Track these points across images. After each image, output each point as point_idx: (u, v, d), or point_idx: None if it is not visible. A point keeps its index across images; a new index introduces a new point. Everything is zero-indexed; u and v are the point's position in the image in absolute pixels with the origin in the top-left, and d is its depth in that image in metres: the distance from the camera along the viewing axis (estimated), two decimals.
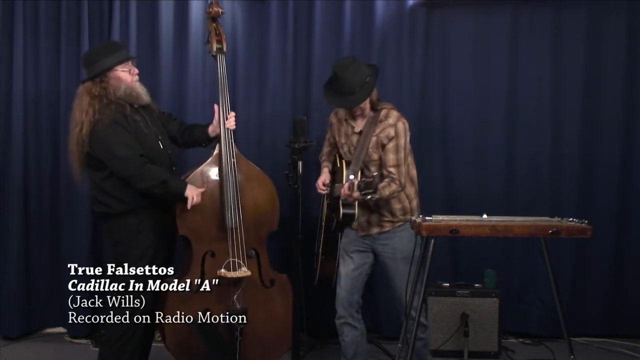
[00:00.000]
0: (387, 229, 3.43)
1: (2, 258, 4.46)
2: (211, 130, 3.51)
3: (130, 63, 3.35)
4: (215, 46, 3.52)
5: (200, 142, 3.57)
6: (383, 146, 3.34)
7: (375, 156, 3.38)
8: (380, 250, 3.45)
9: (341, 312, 3.48)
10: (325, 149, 3.69)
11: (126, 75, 3.31)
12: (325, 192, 3.52)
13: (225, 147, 3.42)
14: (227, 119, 3.46)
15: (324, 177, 3.55)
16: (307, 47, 4.53)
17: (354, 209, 3.34)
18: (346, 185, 3.19)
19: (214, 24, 3.55)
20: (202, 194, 3.35)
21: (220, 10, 3.56)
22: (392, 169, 3.32)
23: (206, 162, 3.45)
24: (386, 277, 3.50)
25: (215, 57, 3.52)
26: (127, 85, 3.29)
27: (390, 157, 3.33)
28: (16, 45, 4.41)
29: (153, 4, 4.46)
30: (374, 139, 3.36)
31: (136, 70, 3.38)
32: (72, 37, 4.43)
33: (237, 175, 3.43)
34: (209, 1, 3.61)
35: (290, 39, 4.50)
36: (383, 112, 3.39)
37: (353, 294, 3.48)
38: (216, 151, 3.46)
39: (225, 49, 3.55)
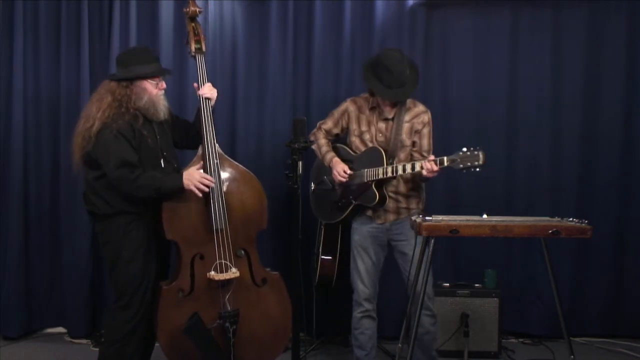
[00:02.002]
0: (403, 216, 3.52)
1: (2, 258, 4.46)
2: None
3: (160, 77, 3.34)
4: (194, 46, 3.45)
5: (199, 132, 3.51)
6: (416, 132, 3.50)
7: (407, 142, 3.50)
8: (395, 239, 3.53)
9: (366, 306, 3.55)
10: (324, 140, 3.70)
11: (152, 87, 3.29)
12: (345, 180, 3.53)
13: (208, 148, 3.35)
14: (207, 92, 3.40)
15: (343, 165, 3.56)
16: (307, 47, 4.53)
17: (385, 193, 3.46)
18: (431, 163, 3.22)
19: (193, 24, 3.48)
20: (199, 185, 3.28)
21: (198, 10, 3.49)
22: (427, 154, 3.47)
23: (189, 165, 3.39)
24: (403, 268, 3.55)
25: (194, 57, 3.47)
26: (149, 98, 3.28)
27: (426, 142, 3.53)
28: (16, 45, 4.41)
29: (153, 4, 4.46)
30: (406, 125, 3.50)
31: (164, 85, 3.36)
32: (72, 37, 4.44)
33: (221, 175, 3.37)
34: (187, 1, 3.53)
35: (290, 39, 4.50)
36: (409, 101, 3.53)
37: (375, 287, 3.58)
38: (199, 152, 3.41)
39: (204, 48, 3.48)
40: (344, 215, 3.61)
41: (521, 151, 4.57)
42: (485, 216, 3.05)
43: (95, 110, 3.23)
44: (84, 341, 4.44)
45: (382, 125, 3.52)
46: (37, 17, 4.44)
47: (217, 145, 3.38)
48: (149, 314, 3.33)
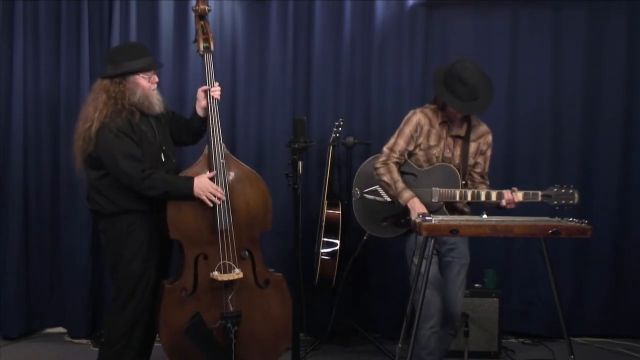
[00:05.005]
0: None
1: (2, 258, 4.45)
2: (198, 110, 3.43)
3: (152, 71, 3.33)
4: (202, 45, 3.44)
5: (200, 128, 3.49)
6: (481, 153, 3.44)
7: (472, 161, 3.42)
8: (446, 253, 3.40)
9: (435, 323, 3.36)
10: (397, 174, 3.37)
11: (145, 82, 3.29)
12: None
13: (214, 148, 3.34)
14: (212, 93, 3.36)
15: (422, 207, 3.25)
16: (307, 47, 4.53)
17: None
18: (513, 194, 3.24)
19: (201, 22, 3.47)
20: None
21: (207, 8, 3.48)
22: (485, 177, 3.45)
23: (195, 164, 3.39)
24: (445, 281, 3.44)
25: (202, 56, 3.46)
26: (143, 93, 3.27)
27: (487, 165, 3.46)
28: (16, 45, 4.41)
29: (153, 4, 4.46)
30: (472, 144, 3.41)
31: (156, 79, 3.36)
32: (72, 37, 4.44)
33: (226, 176, 3.36)
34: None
35: (290, 39, 4.50)
36: (473, 118, 3.42)
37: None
38: (205, 152, 3.40)
39: (212, 47, 3.46)
40: (403, 232, 3.46)
41: (521, 151, 4.56)
42: (485, 216, 3.05)
43: (93, 111, 3.23)
44: (84, 341, 4.43)
45: (450, 141, 3.39)
46: (37, 17, 4.44)
47: (223, 144, 3.37)
48: (149, 314, 3.32)
